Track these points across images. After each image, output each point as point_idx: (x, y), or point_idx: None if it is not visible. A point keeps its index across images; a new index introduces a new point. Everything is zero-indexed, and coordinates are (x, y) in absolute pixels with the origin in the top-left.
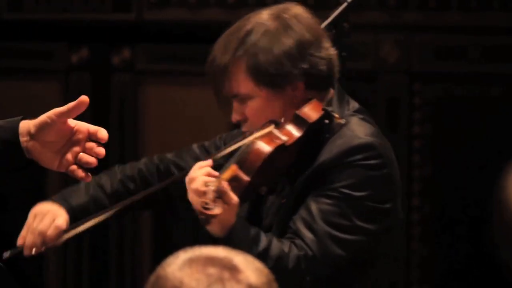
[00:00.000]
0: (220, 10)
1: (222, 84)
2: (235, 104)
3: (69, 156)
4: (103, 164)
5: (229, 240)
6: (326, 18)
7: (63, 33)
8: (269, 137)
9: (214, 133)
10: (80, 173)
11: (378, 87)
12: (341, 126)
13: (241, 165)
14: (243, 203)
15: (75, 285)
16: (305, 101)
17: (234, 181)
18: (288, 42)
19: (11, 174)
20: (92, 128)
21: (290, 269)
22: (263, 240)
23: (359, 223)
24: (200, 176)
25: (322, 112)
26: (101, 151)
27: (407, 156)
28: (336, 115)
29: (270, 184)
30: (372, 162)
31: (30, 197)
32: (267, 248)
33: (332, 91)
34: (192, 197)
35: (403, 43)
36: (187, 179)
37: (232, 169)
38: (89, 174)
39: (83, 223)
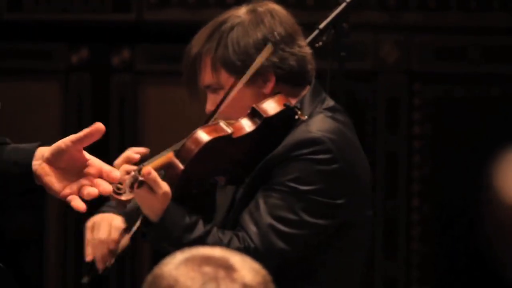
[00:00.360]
0: (219, 10)
1: (194, 75)
2: (209, 95)
3: (74, 186)
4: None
5: (160, 225)
6: (326, 18)
7: (63, 33)
8: (212, 128)
9: None
10: (79, 203)
11: (378, 88)
12: (301, 122)
13: (178, 153)
14: (186, 192)
15: (75, 285)
16: (270, 95)
17: (169, 168)
18: (257, 34)
19: (12, 196)
20: (105, 168)
21: None
22: (199, 228)
23: (305, 217)
24: (124, 165)
25: (282, 108)
26: (107, 189)
27: (407, 156)
28: (299, 112)
29: (223, 175)
30: (320, 156)
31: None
32: (202, 237)
33: (307, 87)
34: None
35: (403, 44)
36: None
37: (167, 157)
38: (86, 206)
39: (138, 219)
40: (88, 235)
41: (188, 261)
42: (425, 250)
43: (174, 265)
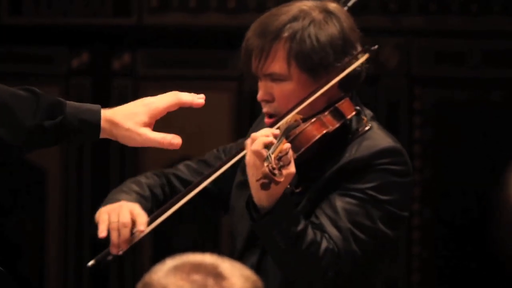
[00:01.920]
0: (220, 15)
1: (257, 62)
2: (265, 83)
3: None
4: (103, 170)
5: (272, 212)
6: None
7: (64, 37)
8: (320, 123)
9: (215, 137)
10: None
11: (378, 91)
12: (366, 129)
13: (291, 141)
14: None
15: (75, 287)
16: (335, 97)
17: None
18: (334, 32)
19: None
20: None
21: (318, 257)
22: (302, 221)
23: (380, 226)
24: (261, 137)
25: (354, 112)
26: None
27: None
28: (365, 118)
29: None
30: (398, 168)
31: (31, 202)
32: (304, 230)
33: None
34: (250, 159)
35: (404, 47)
36: (248, 140)
37: (284, 143)
38: None
39: (159, 212)
40: (103, 217)
41: (177, 268)
42: (426, 254)
43: (163, 272)
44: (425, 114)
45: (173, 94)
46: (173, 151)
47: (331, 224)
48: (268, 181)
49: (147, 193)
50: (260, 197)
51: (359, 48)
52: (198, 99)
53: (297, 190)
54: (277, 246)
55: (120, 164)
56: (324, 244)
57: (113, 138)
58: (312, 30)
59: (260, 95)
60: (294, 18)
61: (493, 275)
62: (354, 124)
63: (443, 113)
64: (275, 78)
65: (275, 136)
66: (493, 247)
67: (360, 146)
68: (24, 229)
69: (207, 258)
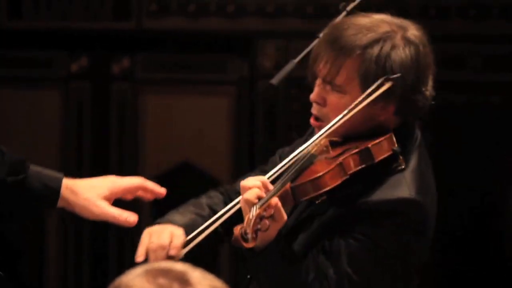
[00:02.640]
0: (219, 19)
1: (324, 67)
2: (321, 87)
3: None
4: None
5: (259, 255)
6: (326, 26)
7: (63, 41)
8: (337, 172)
9: (214, 141)
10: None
11: None
12: (399, 170)
13: (294, 188)
14: None
15: None
16: (386, 123)
17: (283, 196)
18: (408, 65)
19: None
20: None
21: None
22: (296, 263)
23: (383, 274)
24: (254, 188)
25: (390, 153)
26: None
27: None
28: (401, 158)
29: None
30: (414, 224)
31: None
32: (297, 271)
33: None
34: (243, 205)
35: None
36: (241, 184)
37: (284, 188)
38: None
39: (197, 233)
40: (144, 240)
41: (147, 272)
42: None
43: (133, 275)
44: (425, 118)
45: (139, 178)
46: (173, 156)
47: (331, 264)
48: (238, 243)
49: (205, 212)
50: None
51: (431, 84)
52: (160, 189)
53: (317, 202)
54: (263, 283)
55: (119, 168)
56: (316, 285)
57: (70, 208)
58: (387, 57)
59: (313, 96)
60: (375, 41)
61: (496, 281)
62: (387, 163)
63: (443, 117)
64: (334, 88)
65: (268, 187)
66: (497, 251)
67: (381, 190)
68: (24, 237)
69: (178, 266)
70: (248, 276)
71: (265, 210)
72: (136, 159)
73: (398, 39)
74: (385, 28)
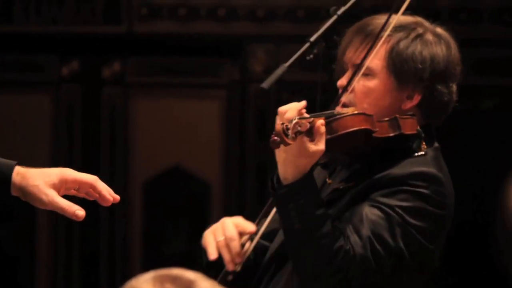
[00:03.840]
0: (210, 23)
1: (352, 52)
2: (350, 74)
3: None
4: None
5: (296, 185)
6: (317, 30)
7: (54, 45)
8: (366, 118)
9: (204, 145)
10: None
11: None
12: (420, 153)
13: (328, 123)
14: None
15: None
16: (408, 113)
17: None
18: (439, 54)
19: None
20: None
21: (331, 252)
22: (323, 209)
23: (402, 247)
24: (298, 105)
25: (415, 132)
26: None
27: None
28: (424, 142)
29: (331, 157)
30: (435, 196)
31: (22, 211)
32: (323, 218)
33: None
34: (279, 118)
35: None
36: (280, 108)
37: (320, 121)
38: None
39: (263, 214)
40: (209, 239)
41: (155, 278)
42: None
43: (143, 280)
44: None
45: (93, 176)
46: (164, 159)
47: (353, 230)
48: (278, 139)
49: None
50: (285, 169)
51: (456, 81)
52: (111, 194)
53: (342, 187)
54: (291, 224)
55: (109, 172)
56: (340, 242)
57: (22, 197)
58: (418, 43)
59: (341, 81)
60: (406, 26)
61: (492, 284)
62: (411, 145)
63: None
64: (365, 71)
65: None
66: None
67: (403, 165)
68: (15, 241)
69: (189, 274)
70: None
71: (300, 125)
72: (127, 163)
73: (428, 31)
74: (415, 20)
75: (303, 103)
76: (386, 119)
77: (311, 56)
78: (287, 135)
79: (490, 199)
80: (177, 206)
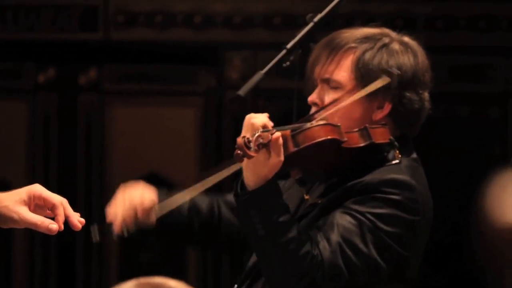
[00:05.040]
0: (186, 30)
1: (320, 67)
2: (320, 88)
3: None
4: (70, 186)
5: (258, 192)
6: (293, 37)
7: (30, 52)
8: (333, 128)
9: (181, 152)
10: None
11: None
12: (393, 162)
13: (294, 135)
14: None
15: None
16: (379, 124)
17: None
18: (406, 63)
19: None
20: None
21: (297, 257)
22: (288, 215)
23: (373, 253)
24: (262, 118)
25: (387, 141)
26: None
27: None
28: (397, 151)
29: (304, 172)
30: (407, 203)
31: None
32: (288, 224)
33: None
34: (244, 131)
35: None
36: (248, 115)
37: (285, 133)
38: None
39: (172, 200)
40: (117, 196)
41: (138, 286)
42: None
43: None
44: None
45: (60, 198)
46: (141, 167)
47: (323, 235)
48: (241, 152)
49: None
50: (248, 177)
51: (427, 89)
52: (78, 220)
53: (319, 201)
54: (255, 230)
55: (86, 180)
56: (307, 247)
57: None
58: (384, 52)
59: (311, 97)
60: (371, 37)
61: None
62: (385, 155)
63: None
64: (331, 84)
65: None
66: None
67: (376, 173)
68: None
69: (171, 283)
70: (236, 285)
71: (262, 137)
72: (104, 170)
73: (394, 41)
74: (380, 31)
75: (265, 115)
76: (356, 129)
77: (288, 63)
78: (249, 148)
79: (466, 203)
80: None
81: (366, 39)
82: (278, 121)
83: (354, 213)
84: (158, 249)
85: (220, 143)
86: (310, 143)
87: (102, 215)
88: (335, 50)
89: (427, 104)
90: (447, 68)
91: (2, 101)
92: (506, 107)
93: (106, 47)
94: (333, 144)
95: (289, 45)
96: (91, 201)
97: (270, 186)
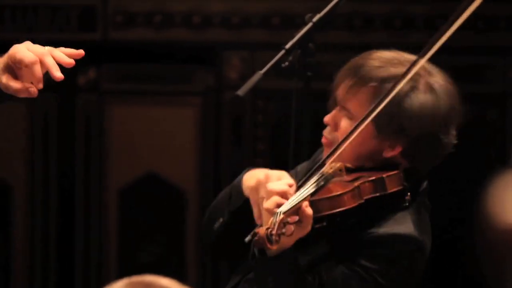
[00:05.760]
0: (185, 30)
1: (342, 93)
2: (338, 112)
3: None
4: (69, 186)
5: (277, 262)
6: (292, 38)
7: None
8: (352, 195)
9: (180, 152)
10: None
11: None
12: (404, 207)
13: (315, 202)
14: None
15: None
16: (393, 168)
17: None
18: (427, 113)
19: None
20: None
21: None
22: (302, 277)
23: None
24: (274, 197)
25: (401, 188)
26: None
27: None
28: (408, 195)
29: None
30: (412, 262)
31: None
32: (298, 285)
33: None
34: (263, 211)
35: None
36: (265, 176)
37: (305, 201)
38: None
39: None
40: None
41: (129, 285)
42: None
43: (116, 287)
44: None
45: (39, 51)
46: (139, 166)
47: None
48: (260, 244)
49: None
50: (272, 246)
51: (453, 133)
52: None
53: (316, 226)
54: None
55: (84, 179)
56: None
57: None
58: (406, 97)
59: (327, 118)
60: (395, 77)
61: None
62: (396, 198)
63: None
64: (346, 113)
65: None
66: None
67: (386, 224)
68: None
69: (163, 281)
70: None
71: (289, 216)
72: (102, 170)
73: (421, 82)
74: (415, 75)
75: (284, 182)
76: (373, 178)
77: (286, 63)
78: (271, 242)
79: (464, 204)
80: (152, 213)
81: (392, 78)
82: (277, 121)
83: (357, 268)
84: (157, 250)
85: (218, 143)
86: (331, 212)
87: (101, 213)
88: (359, 82)
89: (449, 146)
90: (445, 68)
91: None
92: (504, 108)
93: (105, 47)
94: (352, 208)
95: (287, 46)
96: (90, 201)
97: (289, 255)
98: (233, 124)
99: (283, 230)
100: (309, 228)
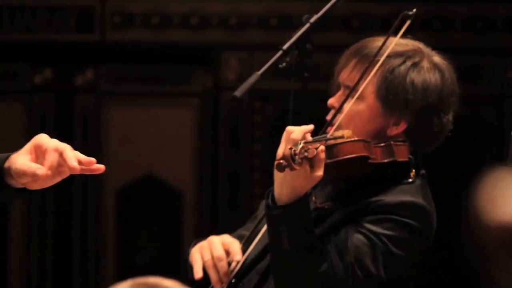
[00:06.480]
0: (183, 31)
1: (346, 72)
2: (341, 93)
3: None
4: (68, 186)
5: (290, 209)
6: (289, 38)
7: (27, 54)
8: (364, 145)
9: (177, 152)
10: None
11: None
12: (409, 181)
13: (329, 148)
14: None
15: None
16: (400, 140)
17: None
18: (432, 87)
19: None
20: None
21: (315, 274)
22: (313, 234)
23: (382, 274)
24: (301, 131)
25: (407, 159)
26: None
27: None
28: (413, 171)
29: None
30: (421, 228)
31: None
32: (312, 243)
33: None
34: (284, 144)
35: None
36: (288, 128)
37: (321, 144)
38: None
39: (251, 236)
40: (196, 257)
41: (133, 286)
42: None
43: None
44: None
45: (59, 144)
46: (137, 167)
47: (337, 254)
48: (285, 163)
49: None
50: (281, 190)
51: (451, 112)
52: (82, 161)
53: (326, 207)
54: (281, 244)
55: (82, 180)
56: (324, 267)
57: (19, 184)
58: (412, 72)
59: (330, 100)
60: (402, 53)
61: None
62: (402, 172)
63: None
64: (352, 93)
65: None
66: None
67: (392, 193)
68: None
69: (166, 283)
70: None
71: (306, 151)
72: (100, 175)
73: (424, 60)
74: (413, 47)
75: (311, 127)
76: (382, 144)
77: (284, 64)
78: (294, 161)
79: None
80: (150, 214)
81: (397, 54)
82: (275, 122)
83: (368, 233)
84: (155, 250)
85: (216, 144)
86: (344, 157)
87: (98, 215)
88: (365, 59)
89: (448, 126)
90: None
91: None
92: (502, 109)
93: (103, 48)
94: (362, 159)
95: (285, 46)
96: (88, 201)
97: (303, 203)
98: (231, 125)
99: (306, 154)
100: (321, 173)
